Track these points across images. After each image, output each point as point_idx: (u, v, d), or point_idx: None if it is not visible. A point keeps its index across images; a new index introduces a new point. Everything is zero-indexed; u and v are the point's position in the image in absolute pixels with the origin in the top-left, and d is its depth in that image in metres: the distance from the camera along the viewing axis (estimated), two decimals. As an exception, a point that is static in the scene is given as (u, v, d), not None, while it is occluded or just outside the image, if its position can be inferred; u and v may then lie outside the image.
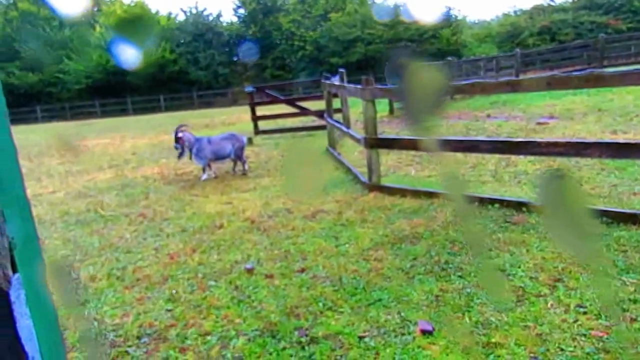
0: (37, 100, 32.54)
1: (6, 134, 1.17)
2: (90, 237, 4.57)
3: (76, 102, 32.53)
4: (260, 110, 11.72)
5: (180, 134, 6.50)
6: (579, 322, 2.34)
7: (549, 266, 2.95)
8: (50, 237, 4.70)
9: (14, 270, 1.14)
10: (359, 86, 5.10)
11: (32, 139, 15.79)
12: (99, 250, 4.16)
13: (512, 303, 2.58)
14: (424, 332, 2.38)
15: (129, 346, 2.56)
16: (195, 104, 31.36)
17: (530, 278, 2.83)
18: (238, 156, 6.76)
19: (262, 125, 11.45)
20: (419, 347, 2.28)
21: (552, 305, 2.52)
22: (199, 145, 6.48)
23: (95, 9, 37.08)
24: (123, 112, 31.03)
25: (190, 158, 6.65)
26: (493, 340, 2.27)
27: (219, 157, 6.67)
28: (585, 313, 2.42)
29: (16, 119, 30.92)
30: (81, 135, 15.90)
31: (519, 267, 2.98)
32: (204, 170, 6.67)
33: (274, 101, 11.56)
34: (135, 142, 12.40)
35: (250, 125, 11.40)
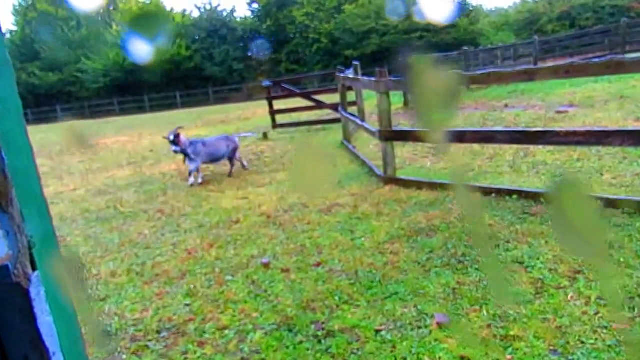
0: (58, 100, 33.20)
1: (23, 134, 1.19)
2: (110, 234, 4.66)
3: (95, 101, 33.11)
4: (277, 105, 11.75)
5: (177, 135, 6.19)
6: (600, 315, 2.30)
7: (568, 258, 2.90)
8: (72, 234, 4.81)
9: (34, 268, 1.17)
10: (372, 79, 5.06)
11: (52, 137, 16.12)
12: (119, 246, 4.24)
13: (530, 295, 2.55)
14: (441, 325, 2.37)
15: (149, 340, 2.60)
16: (211, 99, 31.59)
17: (550, 270, 2.79)
18: (231, 157, 6.67)
19: (279, 119, 11.49)
20: (435, 340, 2.27)
21: (572, 297, 2.48)
22: (194, 148, 6.29)
23: (112, 8, 37.54)
24: (140, 109, 31.43)
25: (184, 162, 6.50)
26: (511, 333, 2.24)
27: (214, 159, 6.56)
28: (606, 305, 2.38)
29: (38, 119, 31.67)
30: (101, 133, 16.16)
31: (538, 259, 2.93)
32: (190, 174, 6.37)
33: (290, 95, 11.61)
34: (153, 139, 12.55)
35: (266, 120, 11.44)
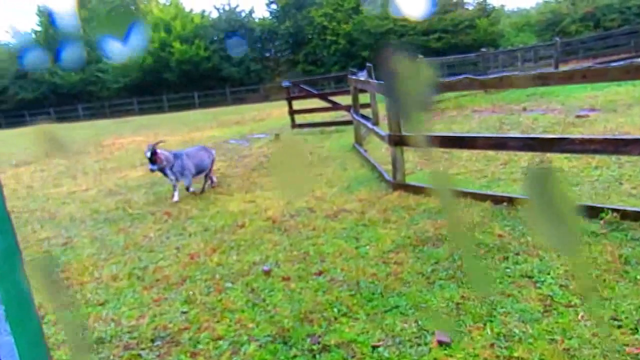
0: (79, 99, 33.85)
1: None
2: (116, 236, 4.65)
3: (115, 100, 33.64)
4: (295, 105, 11.74)
5: (156, 151, 5.47)
6: (613, 337, 2.16)
7: (581, 274, 2.75)
8: (79, 235, 4.82)
9: (-8, 287, 1.11)
10: (382, 82, 4.95)
11: (72, 136, 16.40)
12: (123, 249, 4.23)
13: (538, 313, 2.42)
14: (441, 344, 2.26)
15: (142, 349, 2.56)
16: (228, 100, 31.78)
17: (560, 286, 2.65)
18: (210, 171, 6.16)
19: (298, 119, 11.45)
20: (435, 359, 2.17)
21: (582, 317, 2.34)
22: (180, 162, 5.66)
23: (133, 8, 38.09)
24: (159, 109, 31.81)
25: (172, 176, 5.72)
26: (515, 354, 2.12)
27: (199, 170, 5.94)
28: (620, 327, 2.23)
29: (60, 117, 32.35)
30: (118, 133, 16.36)
31: (548, 274, 2.79)
32: (175, 188, 5.74)
33: (307, 95, 11.62)
34: (168, 139, 12.62)
35: (279, 122, 11.42)
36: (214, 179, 6.33)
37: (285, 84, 11.92)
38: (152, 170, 5.60)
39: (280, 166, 6.06)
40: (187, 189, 5.84)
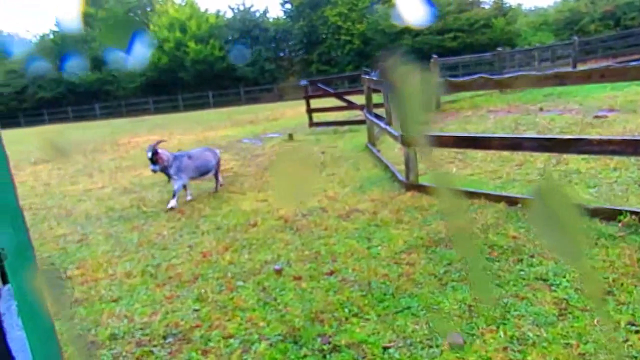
0: (96, 98, 34.36)
1: (-4, 143, 1.15)
2: (130, 233, 4.70)
3: (131, 100, 34.06)
4: (315, 104, 11.83)
5: (157, 151, 5.33)
6: (630, 342, 2.11)
7: (598, 276, 2.70)
8: (94, 232, 4.89)
9: (5, 282, 1.13)
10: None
11: (88, 135, 16.65)
12: (137, 246, 4.27)
13: (553, 317, 2.37)
14: (453, 346, 2.23)
15: (154, 346, 2.58)
16: (242, 99, 31.94)
17: (576, 290, 2.60)
18: (217, 171, 5.99)
19: (314, 118, 11.50)
20: (446, 361, 2.14)
21: (598, 321, 2.29)
22: (179, 163, 5.46)
23: (149, 9, 38.53)
24: (174, 108, 32.12)
25: (169, 180, 5.62)
26: (529, 358, 2.09)
27: (202, 173, 5.75)
28: (637, 332, 2.18)
29: (77, 116, 32.89)
30: (134, 132, 16.56)
31: (564, 277, 2.74)
32: (174, 195, 5.46)
33: (324, 94, 11.67)
34: (182, 138, 12.75)
35: (294, 121, 11.43)
36: (221, 180, 6.18)
37: (303, 82, 12.09)
38: (153, 171, 5.42)
39: (280, 170, 6.00)
40: (173, 194, 5.46)
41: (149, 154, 5.28)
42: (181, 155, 5.59)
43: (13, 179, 1.15)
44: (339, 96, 11.22)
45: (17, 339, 1.15)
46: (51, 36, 37.10)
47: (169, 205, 5.37)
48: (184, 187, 5.64)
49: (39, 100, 35.05)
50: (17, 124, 32.28)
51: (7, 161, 1.13)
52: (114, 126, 21.32)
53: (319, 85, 12.15)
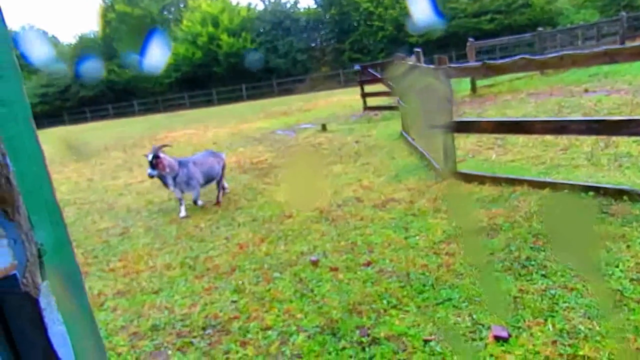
0: (135, 95, 35.36)
1: (32, 138, 1.15)
2: (169, 226, 4.79)
3: (167, 95, 34.86)
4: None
5: (159, 155, 4.87)
6: (693, 337, 1.96)
7: (655, 266, 2.53)
8: (135, 225, 5.02)
9: (43, 277, 1.14)
10: (431, 66, 4.76)
11: (128, 131, 17.14)
12: (176, 239, 4.35)
13: (606, 309, 2.24)
14: (498, 339, 2.14)
15: (194, 337, 2.61)
16: (275, 91, 32.07)
17: (631, 280, 2.44)
18: (221, 178, 5.47)
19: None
20: (491, 355, 2.06)
21: (657, 314, 2.14)
22: (187, 170, 5.01)
23: (182, 5, 39.15)
24: (209, 102, 32.64)
25: (174, 187, 5.10)
26: (581, 352, 1.98)
27: (209, 179, 5.28)
28: (701, 326, 2.02)
29: (117, 113, 33.97)
30: (171, 127, 16.93)
31: (617, 267, 2.58)
32: (181, 202, 5.12)
33: (374, 80, 11.68)
34: (217, 131, 12.93)
35: (327, 111, 11.36)
36: (226, 186, 5.68)
37: (356, 67, 12.67)
38: (150, 176, 4.97)
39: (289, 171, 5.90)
40: (195, 202, 5.21)
41: (150, 157, 4.86)
42: (186, 161, 5.14)
43: (50, 175, 1.15)
44: (384, 82, 11.08)
45: (58, 333, 1.17)
46: (91, 36, 38.37)
47: (182, 215, 5.03)
48: (179, 200, 5.15)
49: (80, 99, 36.40)
50: (62, 122, 33.67)
51: (43, 157, 1.14)
52: (152, 122, 21.88)
53: (369, 70, 12.14)
